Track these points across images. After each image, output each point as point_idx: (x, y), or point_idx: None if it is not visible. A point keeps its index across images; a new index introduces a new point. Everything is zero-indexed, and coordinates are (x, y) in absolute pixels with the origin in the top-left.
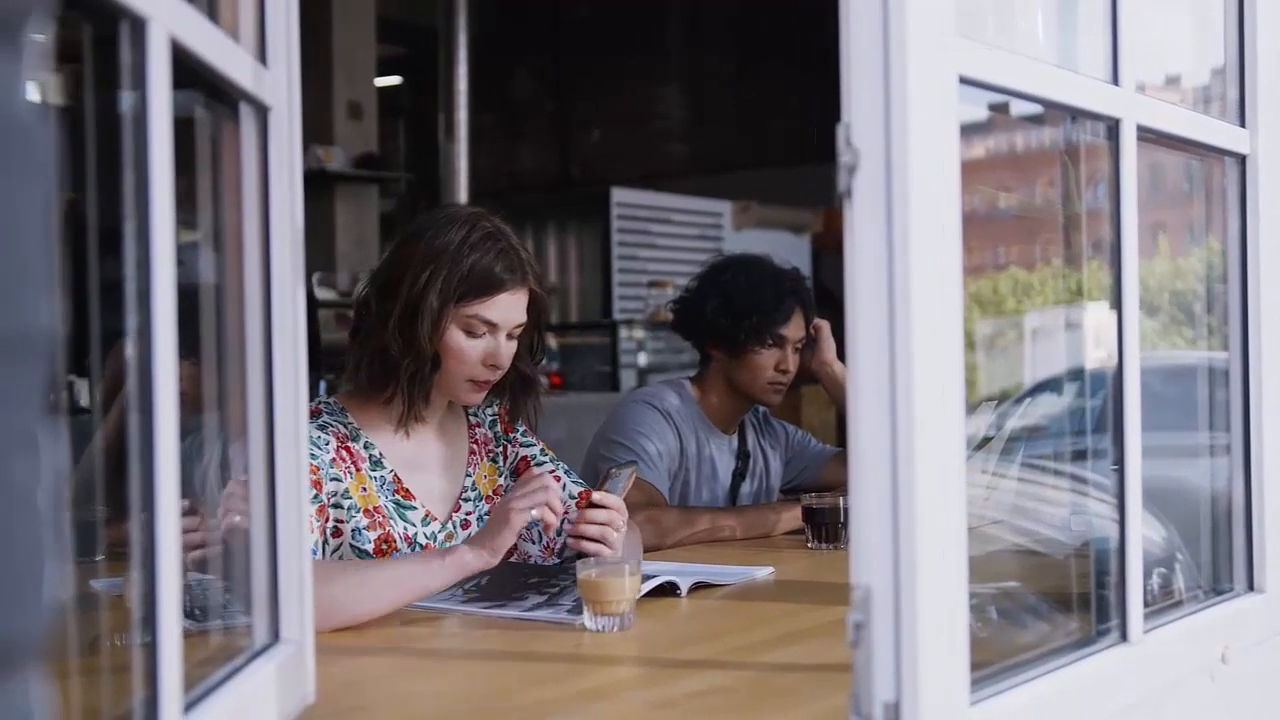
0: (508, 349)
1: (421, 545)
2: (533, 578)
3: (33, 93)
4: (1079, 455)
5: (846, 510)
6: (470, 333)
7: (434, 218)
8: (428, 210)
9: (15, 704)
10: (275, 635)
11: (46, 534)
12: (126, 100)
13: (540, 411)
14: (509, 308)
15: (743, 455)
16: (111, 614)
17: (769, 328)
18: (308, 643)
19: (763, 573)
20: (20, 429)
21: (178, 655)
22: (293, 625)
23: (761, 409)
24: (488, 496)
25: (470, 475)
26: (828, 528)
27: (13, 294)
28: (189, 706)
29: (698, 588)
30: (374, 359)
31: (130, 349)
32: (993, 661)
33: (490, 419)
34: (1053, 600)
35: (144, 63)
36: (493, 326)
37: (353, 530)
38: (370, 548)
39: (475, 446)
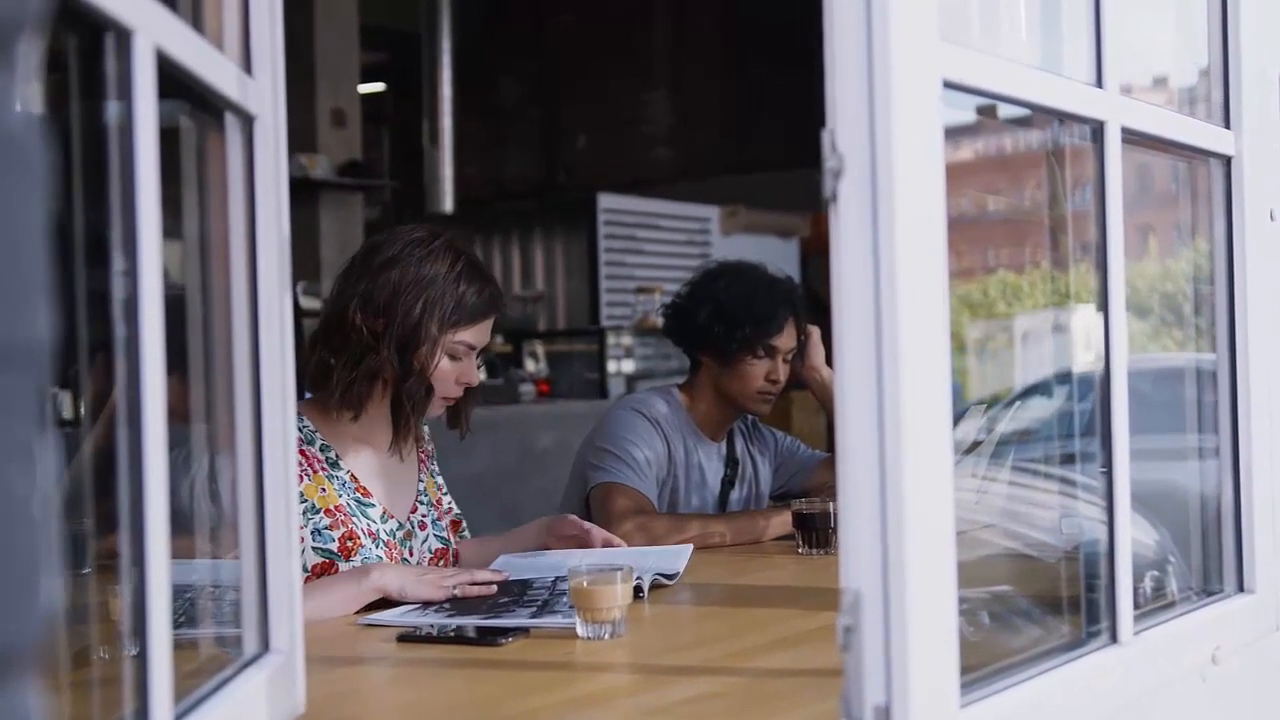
0: (475, 367)
1: (384, 541)
2: (518, 592)
3: (26, 104)
4: (1069, 458)
5: (837, 515)
6: (453, 357)
7: (406, 241)
8: (390, 231)
9: (14, 711)
10: (265, 645)
11: (43, 543)
12: (112, 110)
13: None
14: (487, 331)
15: (731, 462)
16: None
17: (761, 338)
18: (298, 653)
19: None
20: (18, 439)
21: (168, 667)
22: (282, 635)
23: (750, 415)
24: (435, 503)
25: (422, 481)
26: (818, 533)
27: (11, 304)
28: (179, 717)
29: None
30: (363, 381)
31: (118, 360)
32: (984, 664)
33: (428, 435)
34: (1043, 602)
35: (130, 73)
36: (470, 349)
37: (313, 532)
38: (335, 546)
39: (424, 457)
